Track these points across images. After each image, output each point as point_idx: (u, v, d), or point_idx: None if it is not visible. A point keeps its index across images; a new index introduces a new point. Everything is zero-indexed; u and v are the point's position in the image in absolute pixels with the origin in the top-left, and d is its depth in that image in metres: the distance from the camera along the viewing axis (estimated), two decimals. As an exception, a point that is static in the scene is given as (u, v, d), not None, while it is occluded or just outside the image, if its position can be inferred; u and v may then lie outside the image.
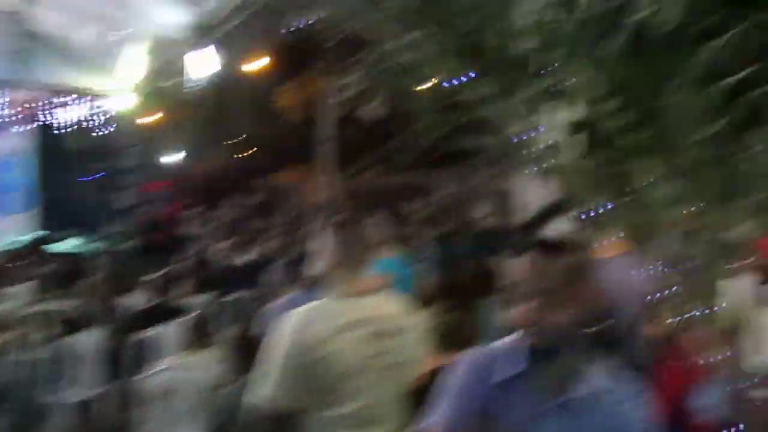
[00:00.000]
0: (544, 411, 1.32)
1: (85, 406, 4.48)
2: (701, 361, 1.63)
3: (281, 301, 4.01)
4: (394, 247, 4.49)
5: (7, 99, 7.68)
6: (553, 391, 1.33)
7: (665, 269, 1.30)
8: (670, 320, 2.07)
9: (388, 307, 2.13)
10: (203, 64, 7.25)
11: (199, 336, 3.66)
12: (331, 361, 1.97)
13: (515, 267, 1.39)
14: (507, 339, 1.42)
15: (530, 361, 1.36)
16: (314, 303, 2.10)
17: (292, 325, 2.03)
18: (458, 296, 4.69)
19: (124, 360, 4.42)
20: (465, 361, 1.47)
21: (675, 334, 1.95)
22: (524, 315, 1.32)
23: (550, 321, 1.30)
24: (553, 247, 1.37)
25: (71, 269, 6.97)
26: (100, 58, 8.39)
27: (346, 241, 2.17)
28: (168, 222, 14.15)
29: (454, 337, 2.86)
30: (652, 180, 1.10)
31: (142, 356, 4.35)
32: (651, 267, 1.50)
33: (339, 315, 2.02)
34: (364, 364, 2.01)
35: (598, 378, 1.34)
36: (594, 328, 2.37)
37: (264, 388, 2.00)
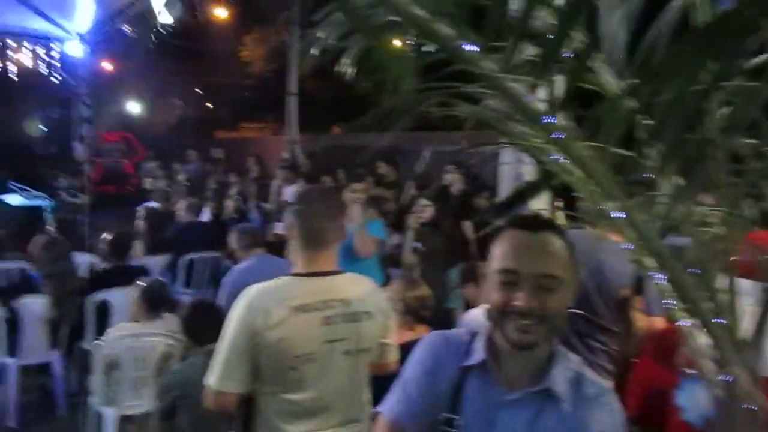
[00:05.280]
0: (501, 403, 1.23)
1: (36, 370, 4.33)
2: (685, 358, 1.56)
3: (243, 264, 3.86)
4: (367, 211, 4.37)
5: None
6: (512, 383, 1.24)
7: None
8: (657, 315, 2.01)
9: (350, 289, 1.99)
10: (164, 10, 6.79)
11: (153, 303, 3.50)
12: (282, 346, 1.84)
13: (491, 248, 1.25)
14: (471, 322, 1.34)
15: (493, 349, 1.26)
16: (269, 282, 1.95)
17: (243, 305, 1.88)
18: (427, 263, 4.65)
19: (74, 325, 4.24)
20: (423, 345, 1.37)
21: (661, 329, 1.90)
22: (504, 300, 1.19)
23: (545, 308, 1.17)
24: (535, 226, 1.23)
25: (19, 226, 6.64)
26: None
27: (299, 214, 2.00)
28: (123, 175, 13.69)
29: (419, 313, 2.77)
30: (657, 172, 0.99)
31: (93, 321, 4.18)
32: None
33: (294, 297, 1.88)
34: (318, 350, 1.88)
35: (563, 373, 1.24)
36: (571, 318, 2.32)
37: (212, 369, 1.88)
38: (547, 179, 2.19)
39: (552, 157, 1.25)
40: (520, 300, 1.17)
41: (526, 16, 0.84)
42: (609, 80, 1.01)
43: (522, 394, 1.22)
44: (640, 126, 1.01)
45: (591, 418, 1.20)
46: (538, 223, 1.24)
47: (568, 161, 1.40)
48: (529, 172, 2.19)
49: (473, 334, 1.32)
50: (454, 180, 5.46)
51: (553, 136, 0.94)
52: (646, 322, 1.92)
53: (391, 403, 1.35)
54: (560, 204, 2.34)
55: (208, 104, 22.99)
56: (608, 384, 2.19)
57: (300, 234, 1.98)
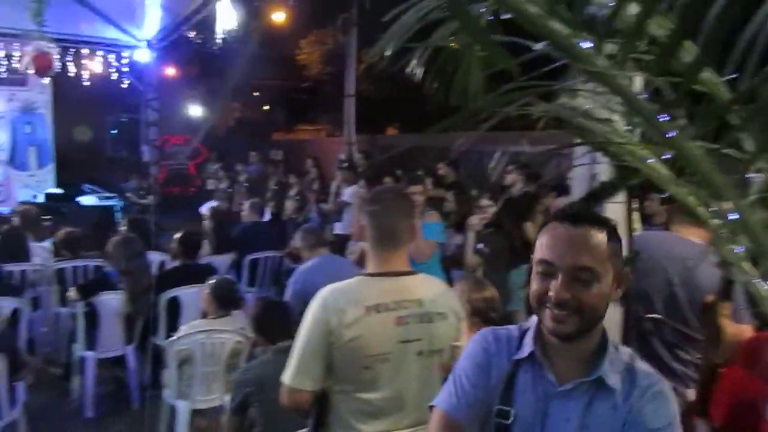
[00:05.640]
0: (553, 394, 1.26)
1: (110, 364, 4.52)
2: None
3: (308, 264, 3.92)
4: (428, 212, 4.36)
5: (21, 51, 7.53)
6: (563, 375, 1.27)
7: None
8: (746, 322, 1.93)
9: (422, 289, 1.99)
10: (226, 16, 7.01)
11: (223, 300, 3.60)
12: (356, 346, 1.86)
13: (538, 239, 1.29)
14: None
15: (542, 342, 1.30)
16: (344, 282, 1.98)
17: (318, 304, 1.91)
18: (489, 264, 4.60)
19: (147, 321, 4.41)
20: (475, 340, 1.42)
21: (753, 337, 1.82)
22: (540, 290, 1.24)
23: (578, 299, 1.20)
24: (575, 219, 1.25)
25: (92, 226, 6.97)
26: (120, 8, 8.17)
27: (372, 214, 2.02)
28: (188, 177, 14.17)
29: (486, 315, 2.74)
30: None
31: (166, 318, 4.35)
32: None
33: (368, 296, 1.90)
34: (392, 350, 1.89)
35: (614, 364, 1.26)
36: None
37: (288, 366, 1.92)
38: (623, 179, 2.13)
39: (643, 157, 1.22)
40: (553, 290, 1.21)
41: (643, 19, 0.83)
42: (713, 78, 0.98)
43: (573, 385, 1.25)
44: (747, 127, 0.97)
45: (643, 407, 1.22)
46: (579, 217, 1.26)
47: (656, 160, 1.36)
48: (604, 171, 2.14)
49: (524, 329, 1.35)
50: (515, 180, 5.39)
51: (668, 134, 0.92)
52: (735, 329, 1.84)
53: (444, 396, 1.38)
54: (636, 205, 2.28)
55: (264, 107, 23.51)
56: (691, 392, 2.12)
57: (373, 234, 2.00)
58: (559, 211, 1.31)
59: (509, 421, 1.27)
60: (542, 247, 1.25)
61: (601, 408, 1.23)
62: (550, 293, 1.21)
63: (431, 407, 1.42)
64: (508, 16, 1.01)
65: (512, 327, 1.40)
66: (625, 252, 2.16)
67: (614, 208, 2.15)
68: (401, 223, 2.01)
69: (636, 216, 2.21)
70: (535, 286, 1.25)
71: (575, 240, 1.22)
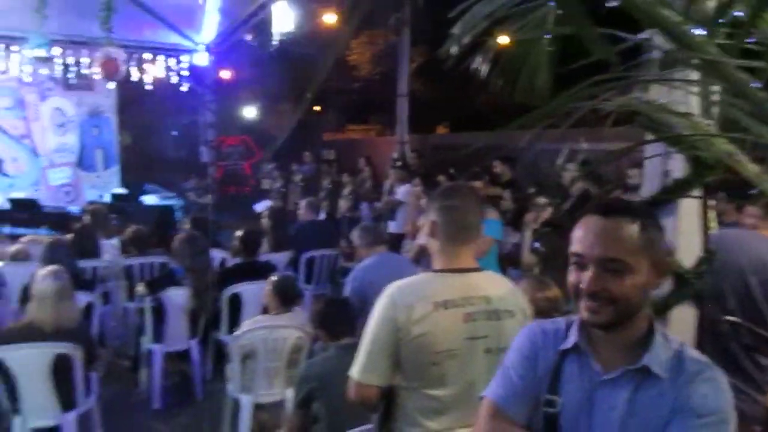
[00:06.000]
0: (598, 383, 1.27)
1: (176, 357, 4.68)
2: None
3: (366, 262, 3.94)
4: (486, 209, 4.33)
5: (89, 57, 7.88)
6: (608, 363, 1.28)
7: None
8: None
9: (490, 287, 1.98)
10: (282, 19, 7.14)
11: (285, 297, 3.68)
12: (424, 342, 1.87)
13: (573, 232, 1.31)
14: None
15: (586, 332, 1.31)
16: (411, 278, 1.99)
17: (387, 301, 1.93)
18: (546, 263, 4.54)
19: (209, 317, 4.55)
20: (522, 334, 1.45)
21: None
22: (574, 282, 1.26)
23: (609, 290, 1.22)
24: (607, 211, 1.26)
25: (154, 224, 7.24)
26: (181, 14, 8.45)
27: (447, 209, 2.02)
28: (245, 176, 14.53)
29: (550, 315, 2.70)
30: None
31: (228, 313, 4.47)
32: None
33: (436, 293, 1.91)
34: (460, 347, 1.89)
35: (661, 352, 1.25)
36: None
37: (356, 361, 1.95)
38: (699, 175, 2.06)
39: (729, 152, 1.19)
40: (584, 282, 1.23)
41: (755, 16, 0.81)
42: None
43: (618, 374, 1.26)
44: None
45: (692, 394, 1.21)
46: (611, 209, 1.28)
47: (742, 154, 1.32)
48: (678, 168, 2.07)
49: (570, 322, 1.37)
50: (574, 179, 5.29)
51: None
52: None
53: (493, 387, 1.42)
54: (712, 202, 2.20)
55: (315, 107, 23.82)
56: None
57: (445, 229, 2.00)
58: (592, 204, 1.32)
59: (556, 410, 1.30)
60: (575, 239, 1.28)
61: (647, 395, 1.23)
62: (582, 285, 1.23)
63: (481, 398, 1.45)
64: (613, 4, 1.00)
65: (559, 320, 1.42)
66: (700, 251, 2.10)
67: (689, 207, 2.08)
68: (473, 218, 2.01)
69: (712, 214, 2.14)
70: (570, 278, 1.27)
71: (604, 232, 1.24)
